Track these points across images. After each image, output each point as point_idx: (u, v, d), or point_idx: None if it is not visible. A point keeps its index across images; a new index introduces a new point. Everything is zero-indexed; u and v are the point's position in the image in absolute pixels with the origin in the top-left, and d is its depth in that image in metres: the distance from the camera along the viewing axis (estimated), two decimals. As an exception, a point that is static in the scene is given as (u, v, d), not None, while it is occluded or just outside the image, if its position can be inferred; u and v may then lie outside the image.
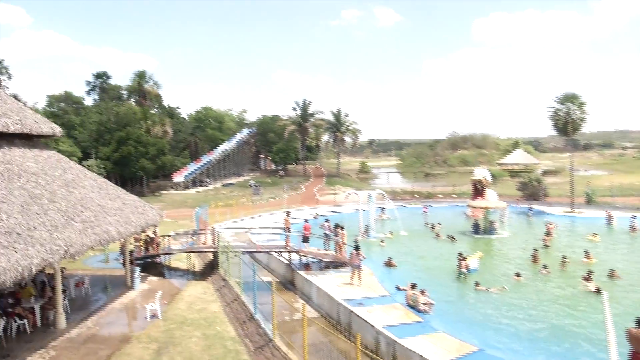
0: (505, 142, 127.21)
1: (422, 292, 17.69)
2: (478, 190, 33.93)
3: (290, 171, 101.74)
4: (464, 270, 22.07)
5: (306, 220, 26.45)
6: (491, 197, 33.93)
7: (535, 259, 24.68)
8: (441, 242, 30.56)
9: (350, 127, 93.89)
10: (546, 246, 28.08)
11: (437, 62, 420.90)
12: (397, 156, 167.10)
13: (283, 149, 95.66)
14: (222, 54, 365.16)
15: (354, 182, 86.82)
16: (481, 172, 34.78)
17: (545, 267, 22.75)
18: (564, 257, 23.95)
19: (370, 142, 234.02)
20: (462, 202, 46.38)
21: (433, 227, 35.12)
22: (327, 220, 27.12)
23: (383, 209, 40.94)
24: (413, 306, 17.17)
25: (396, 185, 76.46)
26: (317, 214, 42.22)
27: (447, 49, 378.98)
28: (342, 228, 24.33)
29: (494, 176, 51.63)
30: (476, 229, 32.93)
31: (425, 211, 44.83)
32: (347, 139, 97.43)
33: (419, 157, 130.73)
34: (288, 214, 26.35)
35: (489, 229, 32.65)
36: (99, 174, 44.58)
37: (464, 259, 22.65)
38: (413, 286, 18.34)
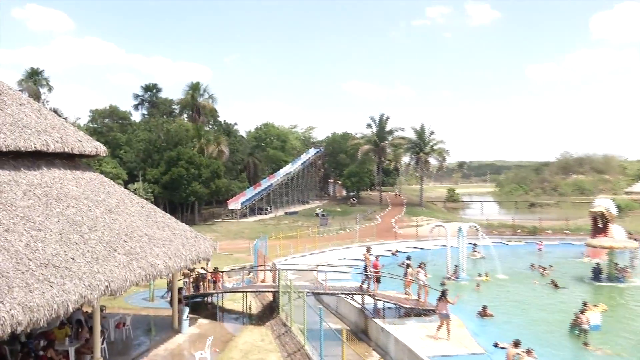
0: (635, 166, 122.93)
1: (529, 352, 16.78)
2: (599, 226, 32.49)
3: (364, 198, 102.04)
4: (585, 326, 20.91)
5: (377, 257, 26.22)
6: (617, 234, 32.46)
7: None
8: (550, 289, 29.49)
9: (435, 147, 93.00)
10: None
11: (544, 68, 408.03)
12: (493, 182, 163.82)
13: (356, 172, 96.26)
14: (285, 62, 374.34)
15: (440, 213, 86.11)
16: (603, 203, 33.47)
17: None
18: None
19: (461, 165, 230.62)
20: (577, 240, 45.01)
21: (544, 269, 34.18)
22: (408, 258, 26.70)
23: (476, 245, 40.32)
24: (516, 369, 16.47)
25: (492, 217, 75.36)
26: (396, 251, 41.93)
27: (557, 51, 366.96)
28: (424, 266, 24.08)
29: (619, 208, 49.24)
30: (597, 274, 31.63)
31: (540, 249, 44.11)
32: (432, 161, 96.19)
33: (521, 183, 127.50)
34: (369, 249, 26.02)
35: (615, 275, 31.28)
36: (146, 198, 44.30)
37: (584, 311, 21.59)
38: (516, 344, 17.39)
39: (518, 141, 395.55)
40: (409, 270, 24.23)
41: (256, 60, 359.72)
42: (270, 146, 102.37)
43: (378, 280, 23.75)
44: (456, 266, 32.63)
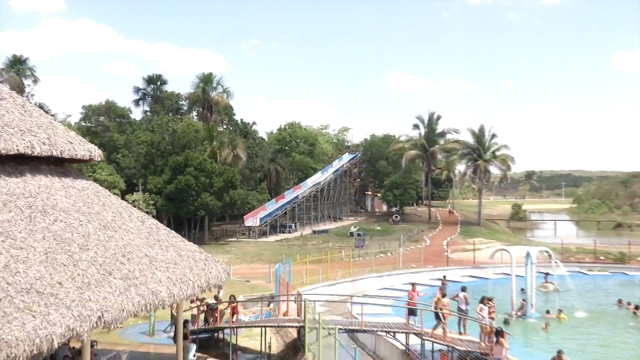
0: None
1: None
2: None
3: (409, 215, 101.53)
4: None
5: (413, 285, 26.37)
6: None
7: None
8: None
9: (498, 153, 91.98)
10: None
11: (634, 56, 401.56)
12: (569, 196, 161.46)
13: (399, 183, 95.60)
14: (314, 50, 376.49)
15: (502, 234, 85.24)
16: None
17: None
18: None
19: (529, 176, 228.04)
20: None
21: (637, 308, 33.57)
22: (462, 289, 26.50)
23: (548, 275, 40.00)
24: None
25: (569, 240, 73.89)
26: (445, 278, 41.05)
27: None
28: (490, 300, 23.96)
29: None
30: None
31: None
32: (494, 170, 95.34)
33: (605, 198, 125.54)
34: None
35: None
36: (147, 212, 46.34)
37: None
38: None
39: (601, 147, 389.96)
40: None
41: (279, 47, 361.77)
42: (296, 151, 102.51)
43: (412, 312, 23.94)
44: (523, 300, 32.34)
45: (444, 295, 23.70)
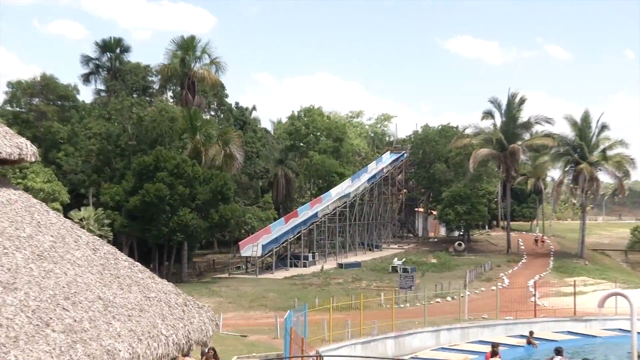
0: None
1: None
2: None
3: (480, 242, 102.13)
4: None
5: (493, 347, 26.68)
6: None
7: None
8: None
9: (610, 153, 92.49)
10: None
11: None
12: None
13: (464, 196, 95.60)
14: (341, 6, 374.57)
15: (617, 271, 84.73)
16: None
17: None
18: None
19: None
20: None
21: None
22: (557, 352, 26.91)
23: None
24: None
25: None
26: (531, 334, 41.22)
27: None
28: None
29: None
30: None
31: None
32: (604, 178, 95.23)
33: None
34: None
35: None
36: (101, 235, 47.99)
37: None
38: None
39: None
40: None
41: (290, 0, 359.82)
42: (314, 148, 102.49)
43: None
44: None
45: None
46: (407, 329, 42.94)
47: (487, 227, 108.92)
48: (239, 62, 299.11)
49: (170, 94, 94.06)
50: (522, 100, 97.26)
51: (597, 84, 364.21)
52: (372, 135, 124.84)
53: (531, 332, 41.56)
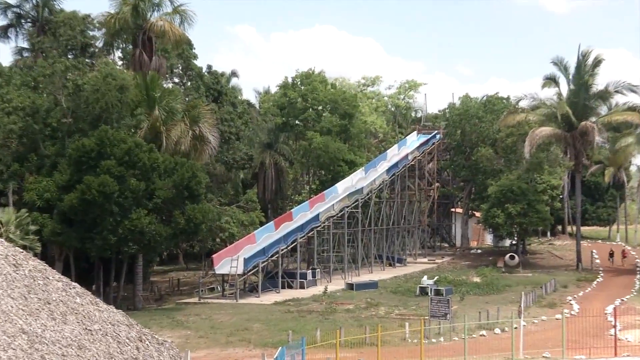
0: None
1: None
2: None
3: (538, 254, 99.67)
4: None
5: None
6: None
7: None
8: None
9: None
10: None
11: None
12: None
13: (519, 191, 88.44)
14: None
15: None
16: None
17: None
18: None
19: None
20: None
21: None
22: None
23: None
24: None
25: None
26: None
27: None
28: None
29: None
30: None
31: None
32: None
33: None
34: None
35: None
36: (25, 245, 48.66)
37: None
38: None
39: None
40: None
41: None
42: (315, 127, 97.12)
43: None
44: None
45: None
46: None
47: (549, 234, 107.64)
48: (211, 10, 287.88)
49: (118, 54, 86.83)
50: (598, 61, 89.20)
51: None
52: (392, 109, 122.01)
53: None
